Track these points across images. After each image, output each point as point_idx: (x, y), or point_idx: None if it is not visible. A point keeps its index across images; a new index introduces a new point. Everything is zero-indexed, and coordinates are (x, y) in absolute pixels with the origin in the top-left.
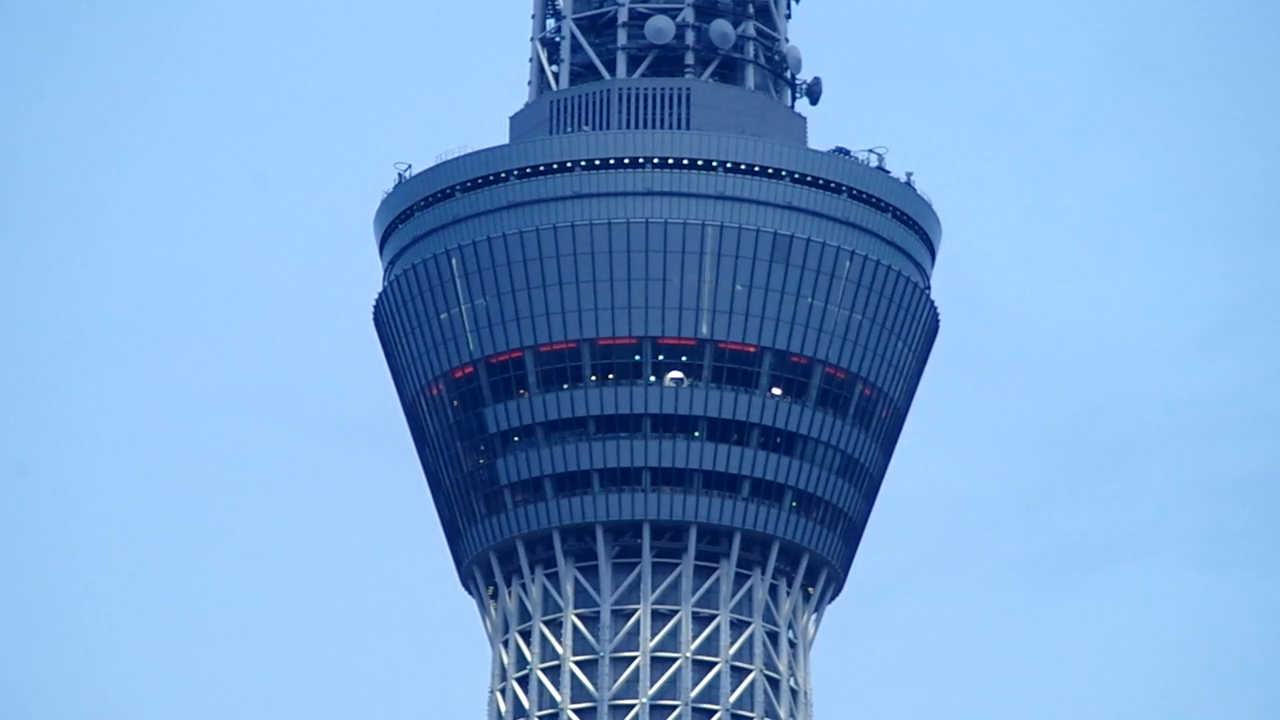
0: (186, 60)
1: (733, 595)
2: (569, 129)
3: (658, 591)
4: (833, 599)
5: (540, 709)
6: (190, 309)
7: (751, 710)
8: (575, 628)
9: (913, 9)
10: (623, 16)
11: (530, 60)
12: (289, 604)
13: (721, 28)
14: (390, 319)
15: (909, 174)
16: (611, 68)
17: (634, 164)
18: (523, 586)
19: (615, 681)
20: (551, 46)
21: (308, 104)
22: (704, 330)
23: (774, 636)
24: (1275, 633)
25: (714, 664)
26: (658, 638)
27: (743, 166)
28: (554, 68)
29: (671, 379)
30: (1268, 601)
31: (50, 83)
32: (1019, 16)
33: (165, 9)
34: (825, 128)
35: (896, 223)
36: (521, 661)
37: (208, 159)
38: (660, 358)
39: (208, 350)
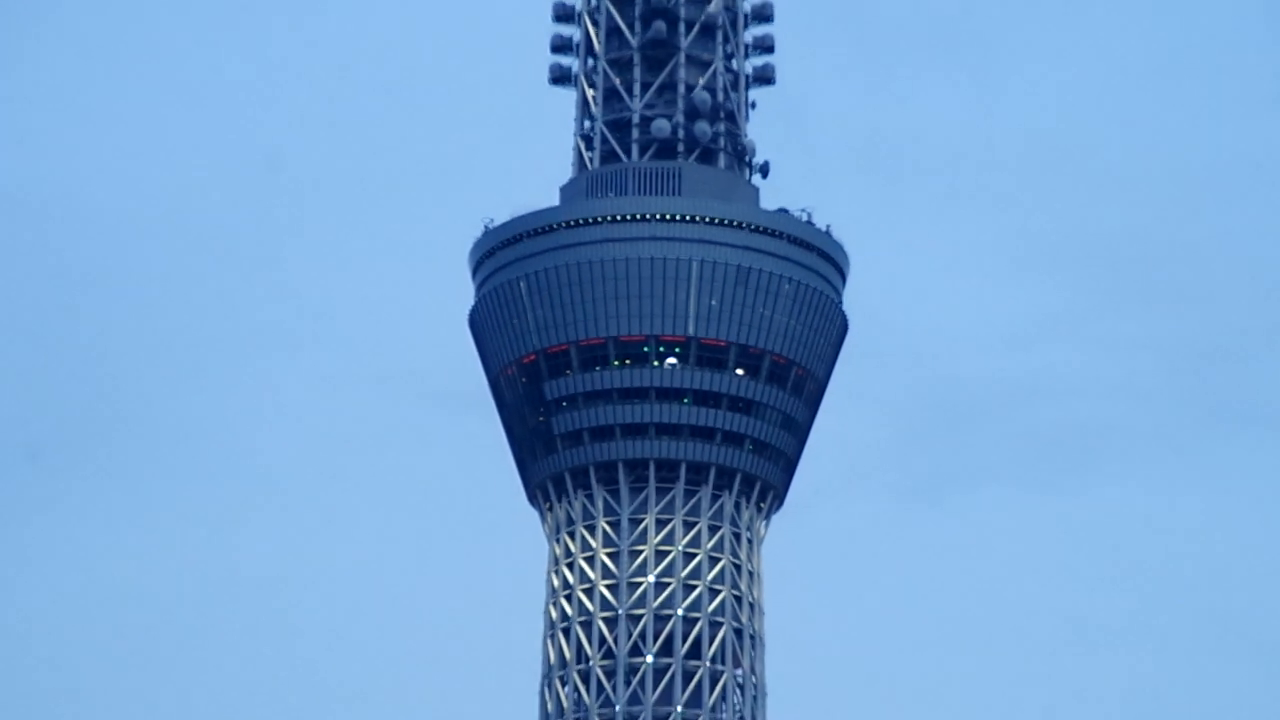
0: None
1: (710, 508)
2: (600, 195)
3: (660, 506)
4: (776, 510)
5: (581, 584)
6: (340, 318)
7: (722, 585)
8: (605, 530)
9: (831, 118)
10: (635, 119)
11: (574, 149)
12: (408, 520)
13: (702, 127)
14: (480, 322)
15: (828, 226)
16: (628, 153)
17: (643, 219)
18: (569, 503)
19: (631, 566)
20: (587, 140)
21: (429, 183)
22: (691, 331)
23: (737, 536)
24: (1074, 536)
25: (697, 554)
26: (659, 536)
27: (716, 220)
28: (589, 154)
29: (669, 364)
30: (1069, 517)
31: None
32: (909, 115)
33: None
34: (772, 194)
35: (819, 258)
36: (568, 553)
37: (355, 217)
38: (661, 349)
39: (352, 345)
